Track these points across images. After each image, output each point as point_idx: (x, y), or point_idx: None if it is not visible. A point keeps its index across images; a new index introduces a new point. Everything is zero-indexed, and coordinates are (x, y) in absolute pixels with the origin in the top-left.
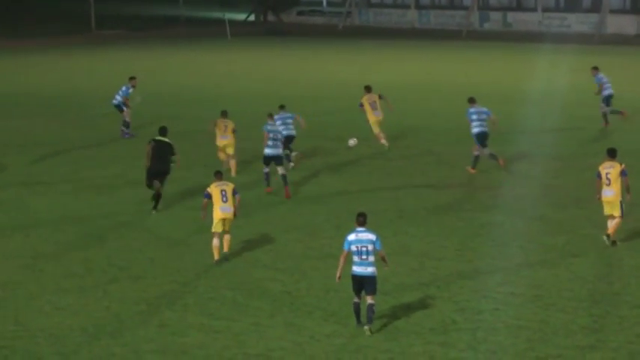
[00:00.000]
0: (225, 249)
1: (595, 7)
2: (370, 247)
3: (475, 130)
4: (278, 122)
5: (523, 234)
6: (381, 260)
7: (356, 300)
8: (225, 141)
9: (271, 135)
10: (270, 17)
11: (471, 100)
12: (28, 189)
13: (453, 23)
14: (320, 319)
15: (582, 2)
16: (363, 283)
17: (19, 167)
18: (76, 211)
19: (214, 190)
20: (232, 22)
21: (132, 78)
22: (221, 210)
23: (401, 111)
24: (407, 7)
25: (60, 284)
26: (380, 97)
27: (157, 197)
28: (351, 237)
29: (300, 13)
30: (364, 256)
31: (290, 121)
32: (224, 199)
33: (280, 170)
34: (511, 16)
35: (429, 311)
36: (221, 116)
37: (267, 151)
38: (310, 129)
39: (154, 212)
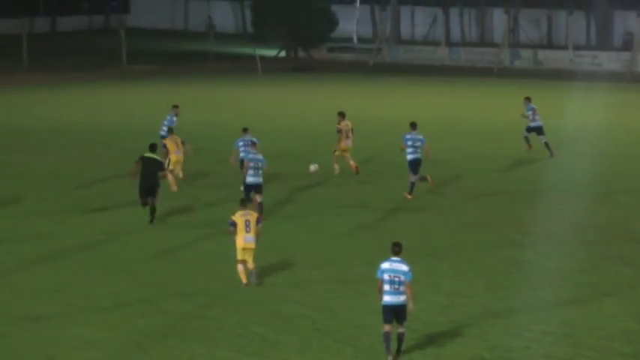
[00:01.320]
0: (245, 280)
1: (627, 46)
2: (402, 278)
3: (409, 157)
4: (240, 144)
5: (554, 272)
6: (407, 291)
7: (387, 329)
8: (178, 156)
9: (252, 164)
10: (301, 53)
11: (412, 126)
12: (56, 221)
13: (483, 60)
14: (350, 356)
15: (613, 40)
16: (394, 312)
17: (49, 198)
18: (104, 244)
19: (239, 219)
20: (263, 58)
21: (175, 106)
22: (244, 240)
23: (430, 147)
24: (437, 44)
25: (89, 319)
26: (352, 129)
27: (152, 211)
28: (385, 265)
29: (330, 50)
30: (396, 286)
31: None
32: (247, 229)
33: (259, 198)
34: (542, 54)
35: (460, 349)
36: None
37: (249, 179)
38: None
39: (151, 225)
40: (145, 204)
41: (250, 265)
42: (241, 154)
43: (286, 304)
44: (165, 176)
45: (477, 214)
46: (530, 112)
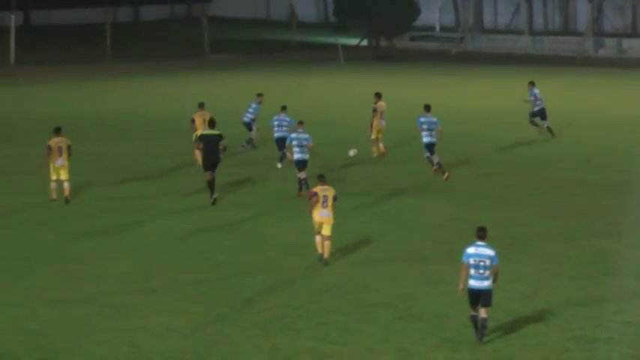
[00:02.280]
0: (326, 255)
1: None
2: (488, 262)
3: (424, 140)
4: (275, 123)
5: (639, 262)
6: (492, 275)
7: (473, 313)
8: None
9: (296, 142)
10: (383, 42)
11: (426, 108)
12: (138, 209)
13: (567, 49)
14: (433, 346)
15: None
16: (479, 296)
17: (130, 187)
18: (188, 233)
19: (319, 193)
20: (345, 47)
21: (259, 94)
22: (320, 214)
23: (514, 138)
24: (520, 32)
25: (172, 306)
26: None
27: (211, 186)
28: (471, 250)
29: (412, 39)
30: (481, 270)
31: (285, 123)
32: (324, 204)
33: (303, 174)
34: (626, 43)
35: (543, 339)
36: (199, 109)
37: (296, 156)
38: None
39: (212, 199)
40: (209, 180)
41: (326, 249)
42: (276, 134)
43: (368, 293)
44: (225, 146)
45: (560, 203)
46: (532, 98)
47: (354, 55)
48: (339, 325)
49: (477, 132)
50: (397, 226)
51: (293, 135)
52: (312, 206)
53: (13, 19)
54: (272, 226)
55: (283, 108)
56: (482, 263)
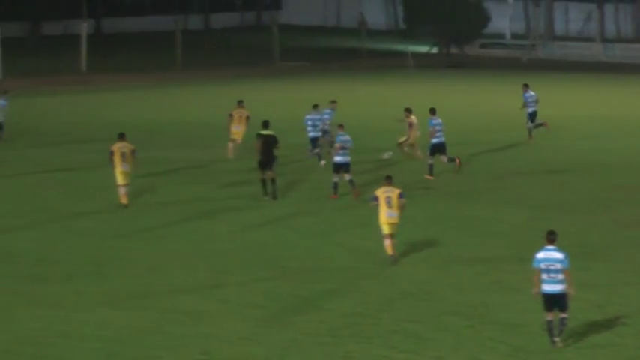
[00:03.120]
0: (391, 252)
1: None
2: (559, 266)
3: (434, 141)
4: (309, 123)
5: None
6: (566, 280)
7: (548, 318)
8: (237, 130)
9: (340, 144)
10: (453, 50)
11: (432, 111)
12: (208, 217)
13: (638, 57)
14: (504, 354)
15: None
16: (553, 301)
17: (200, 195)
18: (258, 240)
19: (381, 195)
20: (415, 55)
21: (333, 101)
22: (387, 215)
23: (587, 145)
24: (592, 40)
25: (243, 313)
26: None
27: (272, 183)
28: (540, 255)
29: (483, 46)
30: (553, 274)
31: (319, 123)
32: (389, 205)
33: (348, 176)
34: None
35: (616, 349)
36: (238, 106)
37: (338, 158)
38: (489, 163)
39: (266, 199)
40: (263, 180)
41: (392, 246)
42: (310, 133)
43: (439, 300)
44: (279, 147)
45: (632, 211)
46: (530, 101)
47: (423, 63)
48: (411, 333)
49: (548, 138)
50: (467, 233)
51: (340, 137)
52: (376, 209)
53: (85, 28)
54: (342, 232)
55: (315, 106)
56: (552, 267)
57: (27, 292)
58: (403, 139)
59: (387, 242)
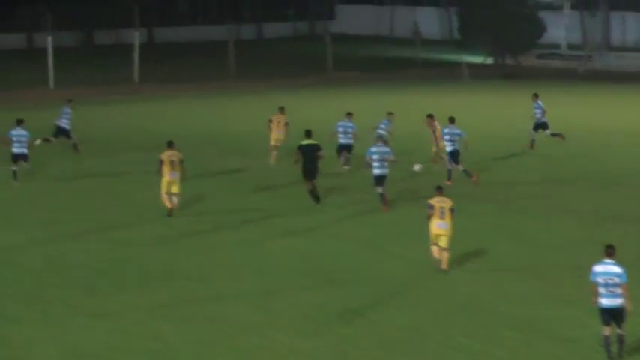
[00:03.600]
0: (444, 266)
1: None
2: (617, 280)
3: (447, 149)
4: (340, 129)
5: None
6: (624, 294)
7: (605, 333)
8: (278, 135)
9: (377, 157)
10: (509, 60)
11: (450, 120)
12: (260, 227)
13: None
14: None
15: None
16: (611, 315)
17: (254, 205)
18: (306, 249)
19: (436, 205)
20: (469, 65)
21: (390, 113)
22: (437, 226)
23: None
24: None
25: (295, 327)
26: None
27: (313, 194)
28: (598, 268)
29: (540, 57)
30: (611, 288)
31: (350, 130)
32: (442, 215)
33: (380, 189)
34: None
35: None
36: (279, 112)
37: (375, 171)
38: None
39: (318, 205)
40: (309, 190)
41: (445, 253)
42: (341, 140)
43: (492, 314)
44: (322, 156)
45: None
46: (538, 110)
47: (478, 73)
48: (464, 348)
49: (603, 149)
50: (518, 243)
51: (373, 149)
52: (429, 218)
53: (137, 37)
54: (392, 242)
55: (349, 114)
56: (610, 281)
57: (76, 304)
58: (434, 149)
59: (435, 249)
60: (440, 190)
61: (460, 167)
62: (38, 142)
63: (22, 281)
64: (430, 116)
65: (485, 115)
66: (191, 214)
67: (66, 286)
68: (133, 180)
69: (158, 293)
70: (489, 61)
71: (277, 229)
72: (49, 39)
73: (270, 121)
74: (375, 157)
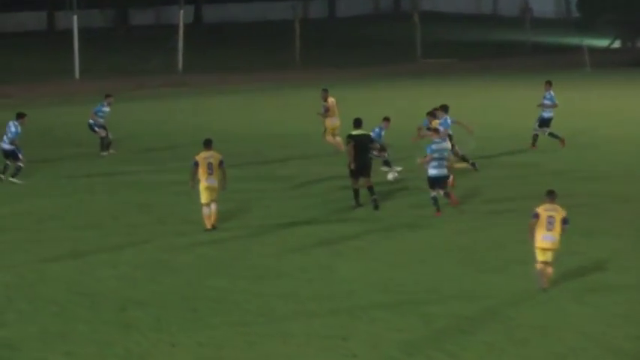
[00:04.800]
0: (545, 285)
1: None
2: None
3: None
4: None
5: None
6: None
7: None
8: (334, 122)
9: (436, 155)
10: None
11: (444, 108)
12: (331, 249)
13: None
14: None
15: None
16: None
17: (320, 221)
18: (387, 277)
19: (543, 213)
20: (592, 50)
21: (386, 119)
22: (543, 238)
23: None
24: None
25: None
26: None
27: (370, 192)
28: None
29: None
30: None
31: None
32: (550, 226)
33: (441, 191)
34: None
35: None
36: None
37: (432, 172)
38: None
39: (358, 209)
40: (356, 190)
41: (549, 269)
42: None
43: (592, 335)
44: (377, 148)
45: None
46: (549, 102)
47: (604, 60)
48: None
49: None
50: (618, 256)
51: (433, 146)
52: (532, 228)
53: (182, 16)
54: (476, 253)
55: (385, 119)
56: None
57: (112, 342)
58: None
59: (540, 267)
60: (551, 196)
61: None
62: (105, 154)
63: (42, 314)
64: (443, 106)
65: (613, 110)
66: (240, 229)
67: (98, 320)
68: (173, 190)
69: (207, 331)
70: (616, 45)
71: (348, 250)
72: (75, 19)
73: (327, 109)
74: (435, 154)
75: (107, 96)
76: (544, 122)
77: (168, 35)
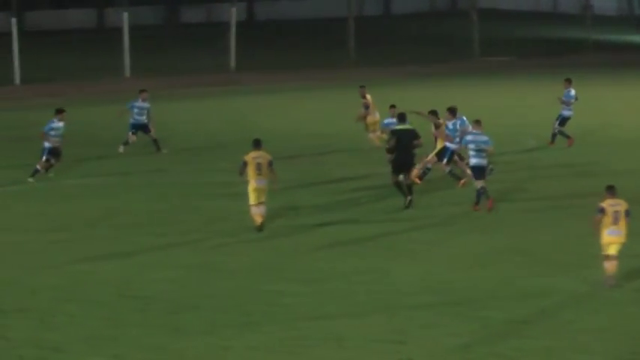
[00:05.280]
0: (612, 282)
1: None
2: None
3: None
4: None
5: None
6: None
7: None
8: (375, 117)
9: (473, 145)
10: None
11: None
12: (389, 255)
13: None
14: None
15: None
16: None
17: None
18: (448, 280)
19: (609, 209)
20: None
21: (392, 106)
22: (608, 233)
23: None
24: None
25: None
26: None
27: (408, 190)
28: None
29: None
30: None
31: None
32: (615, 220)
33: (479, 183)
34: None
35: None
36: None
37: (472, 161)
38: None
39: (409, 208)
40: (397, 183)
41: (614, 262)
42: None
43: None
44: (421, 144)
45: None
46: (571, 100)
47: None
48: None
49: None
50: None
51: (469, 137)
52: (597, 224)
53: (234, 13)
54: (538, 253)
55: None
56: None
57: (161, 346)
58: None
59: (608, 265)
60: (612, 191)
61: (447, 168)
62: (122, 149)
63: (91, 316)
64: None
65: None
66: (295, 231)
67: (149, 324)
68: (225, 192)
69: (261, 336)
70: None
71: (404, 252)
72: (125, 16)
73: (367, 104)
74: (471, 145)
75: (142, 91)
76: (564, 120)
77: (220, 33)
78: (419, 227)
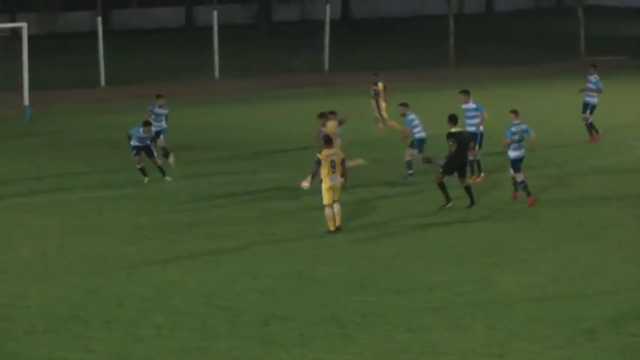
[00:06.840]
0: None
1: None
2: None
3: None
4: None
5: None
6: None
7: None
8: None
9: (516, 137)
10: None
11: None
12: (490, 264)
13: None
14: None
15: None
16: None
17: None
18: (555, 296)
19: None
20: None
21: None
22: None
23: None
24: None
25: None
26: None
27: (467, 192)
28: None
29: None
30: None
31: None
32: None
33: (519, 177)
34: None
35: None
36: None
37: (513, 153)
38: None
39: (448, 205)
40: (441, 184)
41: None
42: (416, 134)
43: None
44: (473, 147)
45: None
46: (596, 87)
47: None
48: None
49: None
50: None
51: (513, 128)
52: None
53: (328, 11)
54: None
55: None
56: None
57: (253, 359)
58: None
59: None
60: None
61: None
62: (171, 159)
63: (180, 328)
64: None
65: None
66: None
67: (240, 336)
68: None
69: (354, 348)
70: None
71: (508, 261)
72: (215, 14)
73: (378, 92)
74: (515, 137)
75: (159, 96)
76: (591, 108)
77: (314, 32)
78: (522, 235)
